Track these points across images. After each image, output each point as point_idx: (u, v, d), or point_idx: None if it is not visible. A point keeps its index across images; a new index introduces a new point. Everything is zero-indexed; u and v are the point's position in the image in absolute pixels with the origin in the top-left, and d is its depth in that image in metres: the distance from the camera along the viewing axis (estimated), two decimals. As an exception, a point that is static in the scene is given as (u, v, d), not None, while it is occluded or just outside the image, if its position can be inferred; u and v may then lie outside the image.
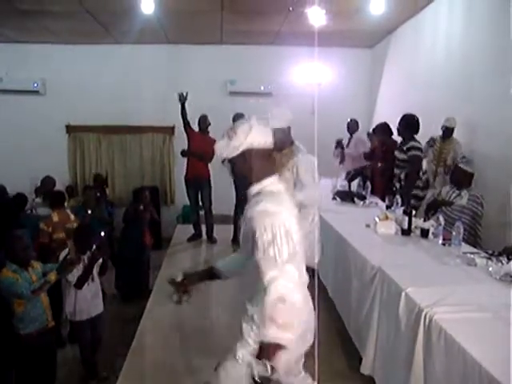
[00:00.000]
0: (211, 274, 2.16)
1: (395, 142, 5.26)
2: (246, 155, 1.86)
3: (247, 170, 1.89)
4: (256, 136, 1.84)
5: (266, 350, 1.70)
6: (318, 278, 3.94)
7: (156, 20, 6.30)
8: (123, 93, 8.02)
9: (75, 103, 8.01)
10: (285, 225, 1.73)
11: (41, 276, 3.39)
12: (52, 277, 3.29)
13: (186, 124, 6.02)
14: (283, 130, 3.13)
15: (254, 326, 1.87)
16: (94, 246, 3.62)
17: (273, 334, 1.66)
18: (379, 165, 5.44)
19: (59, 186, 7.70)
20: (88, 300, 3.69)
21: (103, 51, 8.02)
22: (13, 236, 3.45)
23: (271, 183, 1.90)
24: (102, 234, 3.72)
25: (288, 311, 1.64)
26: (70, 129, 8.30)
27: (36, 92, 8.12)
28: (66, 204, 5.67)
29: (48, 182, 6.52)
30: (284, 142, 3.18)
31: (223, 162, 1.95)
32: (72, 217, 4.93)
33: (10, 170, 7.63)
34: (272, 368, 1.74)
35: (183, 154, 6.09)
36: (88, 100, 8.00)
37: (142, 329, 3.92)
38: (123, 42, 7.80)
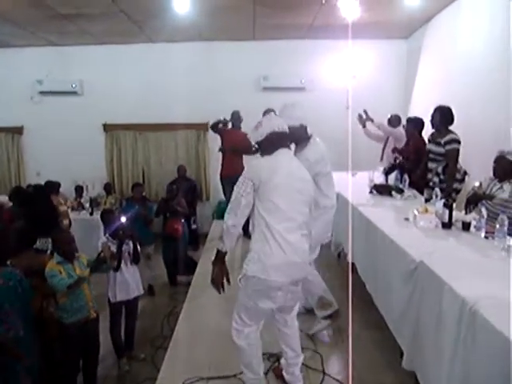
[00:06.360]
0: None
1: (422, 139, 5.18)
2: (269, 137, 2.68)
3: (268, 145, 2.69)
4: (274, 124, 2.70)
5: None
6: (357, 271, 3.93)
7: (189, 17, 6.33)
8: (158, 90, 8.16)
9: (111, 102, 8.20)
10: (255, 177, 2.62)
11: (86, 268, 3.61)
12: (85, 273, 3.54)
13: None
14: (295, 128, 3.24)
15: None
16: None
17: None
18: (409, 158, 5.33)
19: (97, 184, 7.97)
20: (127, 282, 4.10)
21: (137, 50, 8.15)
22: (58, 230, 3.68)
23: (281, 151, 2.69)
24: (123, 219, 4.12)
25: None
26: (107, 127, 8.49)
27: (74, 93, 8.35)
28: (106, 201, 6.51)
29: None
30: (299, 139, 3.34)
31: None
32: (63, 201, 6.27)
33: (51, 168, 7.91)
34: None
35: (221, 150, 6.19)
36: (124, 98, 8.18)
37: (183, 317, 4.01)
38: (157, 41, 7.93)
